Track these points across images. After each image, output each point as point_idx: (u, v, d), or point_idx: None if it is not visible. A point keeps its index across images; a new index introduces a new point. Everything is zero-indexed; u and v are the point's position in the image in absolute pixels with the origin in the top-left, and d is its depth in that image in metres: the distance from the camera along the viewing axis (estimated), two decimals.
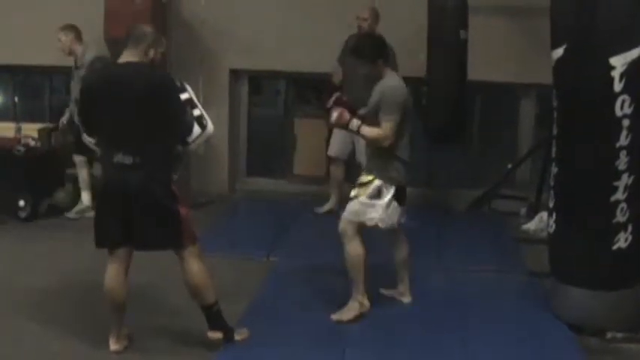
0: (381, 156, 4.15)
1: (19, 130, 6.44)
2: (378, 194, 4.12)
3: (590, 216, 4.11)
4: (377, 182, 4.13)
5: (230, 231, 6.10)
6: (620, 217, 4.03)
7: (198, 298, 3.79)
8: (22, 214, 6.12)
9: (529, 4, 6.16)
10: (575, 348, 4.04)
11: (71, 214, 6.26)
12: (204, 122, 3.72)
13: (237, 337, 3.87)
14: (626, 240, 4.06)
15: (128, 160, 3.57)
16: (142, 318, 4.10)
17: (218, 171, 7.23)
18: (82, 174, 6.29)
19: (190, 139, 3.69)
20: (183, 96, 3.71)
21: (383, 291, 4.58)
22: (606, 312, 4.17)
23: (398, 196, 4.17)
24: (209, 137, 3.80)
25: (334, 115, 4.13)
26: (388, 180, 4.13)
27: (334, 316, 4.21)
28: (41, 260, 5.19)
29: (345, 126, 4.16)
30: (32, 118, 7.01)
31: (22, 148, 6.21)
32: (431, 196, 7.11)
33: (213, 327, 3.82)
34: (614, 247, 4.06)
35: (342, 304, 4.28)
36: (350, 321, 4.20)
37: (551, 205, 4.35)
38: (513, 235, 6.15)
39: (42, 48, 6.22)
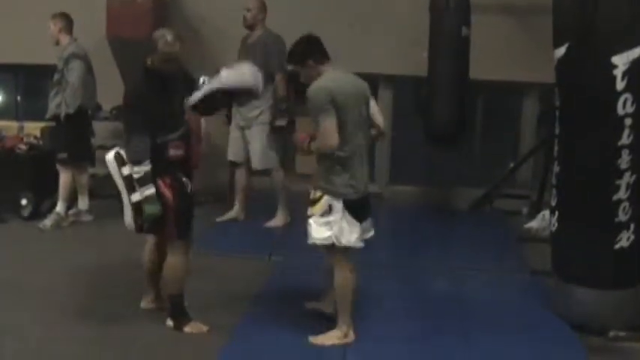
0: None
1: (21, 129, 6.44)
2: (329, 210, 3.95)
3: (593, 215, 4.11)
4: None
5: (231, 230, 6.09)
6: (623, 216, 4.03)
7: (165, 286, 4.11)
8: (24, 213, 6.13)
9: (531, 2, 6.16)
10: (578, 347, 4.03)
11: (46, 225, 5.91)
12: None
13: (186, 329, 4.00)
14: (628, 239, 4.06)
15: None
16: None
17: (219, 170, 7.23)
18: (64, 179, 5.97)
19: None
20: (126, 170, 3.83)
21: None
22: (608, 311, 4.16)
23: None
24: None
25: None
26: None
27: (312, 339, 3.93)
28: (43, 259, 5.19)
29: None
30: (35, 117, 7.02)
31: (24, 147, 6.22)
32: (433, 195, 7.11)
33: (169, 315, 4.06)
34: (617, 246, 4.06)
35: None
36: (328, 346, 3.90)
37: (553, 203, 4.35)
38: (515, 234, 6.15)
39: (45, 47, 6.21)
